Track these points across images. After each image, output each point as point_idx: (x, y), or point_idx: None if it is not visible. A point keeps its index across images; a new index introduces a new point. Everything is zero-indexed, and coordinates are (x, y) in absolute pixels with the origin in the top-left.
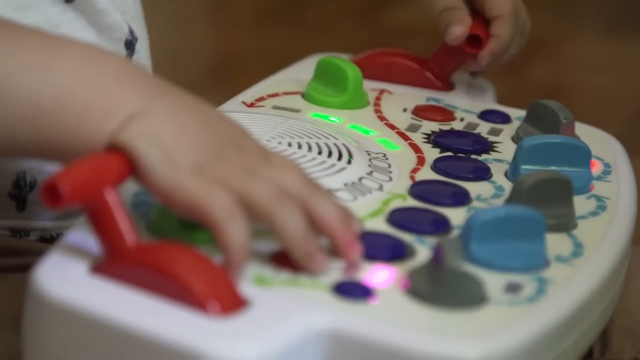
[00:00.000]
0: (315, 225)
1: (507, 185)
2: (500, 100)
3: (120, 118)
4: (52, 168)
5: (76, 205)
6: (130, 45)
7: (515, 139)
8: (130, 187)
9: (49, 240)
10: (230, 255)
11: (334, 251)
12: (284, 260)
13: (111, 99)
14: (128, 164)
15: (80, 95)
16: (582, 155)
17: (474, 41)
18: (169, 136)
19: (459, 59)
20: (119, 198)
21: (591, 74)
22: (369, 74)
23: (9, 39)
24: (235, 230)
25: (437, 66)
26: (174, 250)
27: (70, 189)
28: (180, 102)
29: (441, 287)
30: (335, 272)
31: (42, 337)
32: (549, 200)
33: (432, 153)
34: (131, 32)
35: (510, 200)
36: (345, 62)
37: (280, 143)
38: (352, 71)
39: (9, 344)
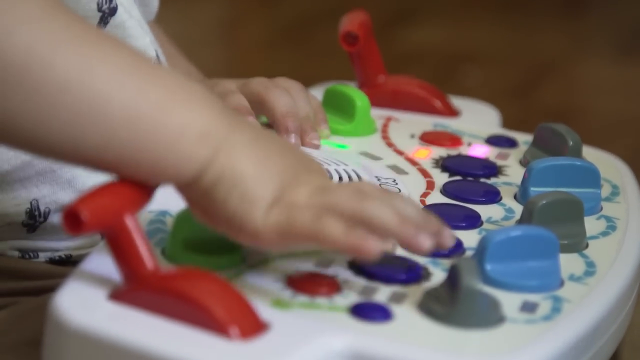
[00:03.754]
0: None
1: (517, 208)
2: (510, 124)
3: (211, 145)
4: (64, 196)
5: (96, 231)
6: None
7: (523, 162)
8: (143, 216)
9: (59, 262)
10: (405, 226)
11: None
12: (299, 284)
13: (204, 123)
14: (146, 190)
15: (175, 115)
16: (591, 177)
17: (350, 38)
18: (251, 170)
19: (364, 58)
20: (139, 224)
21: (601, 98)
22: (375, 101)
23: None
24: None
25: (367, 77)
26: (194, 275)
27: (91, 215)
28: (257, 133)
29: (458, 307)
30: (351, 294)
31: None
32: (560, 220)
33: (441, 177)
34: (157, 56)
35: (521, 221)
36: (353, 90)
37: None
38: (360, 99)
39: None
